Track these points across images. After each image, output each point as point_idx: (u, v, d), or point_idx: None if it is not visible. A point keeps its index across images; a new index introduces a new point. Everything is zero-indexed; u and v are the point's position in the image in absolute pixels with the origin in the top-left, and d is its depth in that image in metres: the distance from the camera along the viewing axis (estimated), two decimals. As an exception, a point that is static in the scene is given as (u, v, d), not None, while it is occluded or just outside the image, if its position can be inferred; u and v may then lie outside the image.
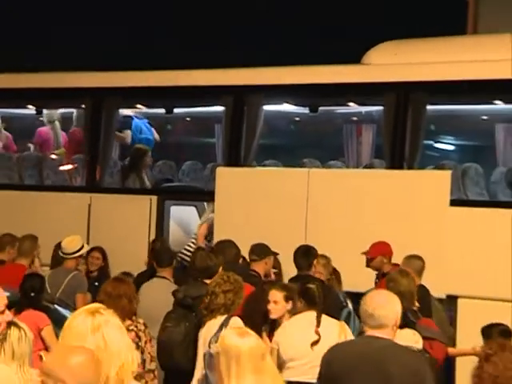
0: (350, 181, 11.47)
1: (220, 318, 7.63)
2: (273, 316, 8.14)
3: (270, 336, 8.24)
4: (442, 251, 10.04)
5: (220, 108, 12.79)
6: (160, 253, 10.28)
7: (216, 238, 11.01)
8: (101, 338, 4.40)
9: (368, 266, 9.87)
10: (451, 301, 10.06)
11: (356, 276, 9.90)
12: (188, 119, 14.25)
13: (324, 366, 5.83)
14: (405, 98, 11.25)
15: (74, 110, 14.54)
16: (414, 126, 11.22)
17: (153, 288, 9.43)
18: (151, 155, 13.47)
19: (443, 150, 12.81)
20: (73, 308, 9.49)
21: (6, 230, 11.02)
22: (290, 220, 11.11)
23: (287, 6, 21.99)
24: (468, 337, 8.69)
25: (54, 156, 14.29)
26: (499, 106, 11.80)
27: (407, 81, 11.21)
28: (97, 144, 13.29)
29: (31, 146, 14.93)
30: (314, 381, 6.27)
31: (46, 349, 7.71)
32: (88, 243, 11.64)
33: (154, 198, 12.46)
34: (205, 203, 12.47)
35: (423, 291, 8.94)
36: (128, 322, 7.27)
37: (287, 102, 12.69)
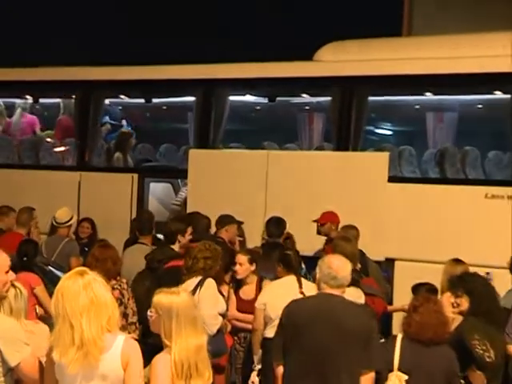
0: (303, 161, 11.53)
1: (197, 278, 7.66)
2: (239, 276, 8.22)
3: (236, 292, 8.30)
4: (381, 221, 10.11)
5: (192, 98, 12.77)
6: (141, 223, 10.28)
7: (189, 211, 11.07)
8: (91, 292, 4.45)
9: (318, 232, 9.93)
10: (389, 263, 10.13)
11: (307, 242, 9.94)
12: (164, 108, 14.18)
13: (285, 316, 5.85)
14: (349, 90, 11.27)
15: (60, 100, 14.41)
16: (357, 114, 11.25)
17: (134, 253, 9.40)
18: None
19: (382, 134, 12.85)
20: (67, 270, 9.49)
21: (8, 203, 10.96)
22: (253, 194, 11.12)
23: (250, 10, 21.93)
24: (403, 294, 8.73)
25: (48, 139, 14.19)
26: (429, 97, 11.87)
27: (352, 75, 11.21)
28: (85, 129, 13.20)
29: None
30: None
31: (39, 304, 7.71)
32: (78, 215, 11.68)
33: (136, 175, 12.41)
34: (179, 180, 12.47)
35: (361, 255, 9.01)
36: (113, 282, 7.31)
37: (249, 93, 12.67)
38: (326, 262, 5.75)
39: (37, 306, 7.60)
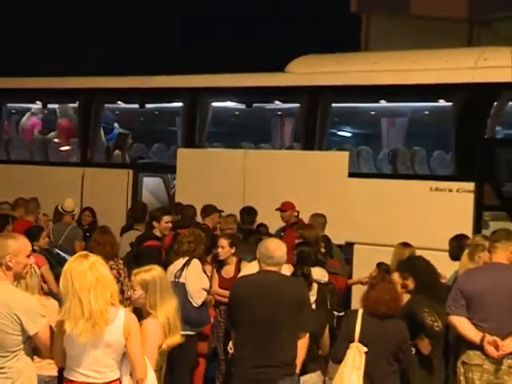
0: (275, 158, 11.53)
1: (184, 259, 7.68)
2: (221, 257, 8.26)
3: (218, 271, 8.31)
4: (342, 210, 10.10)
5: (180, 104, 12.71)
6: (136, 212, 10.25)
7: (177, 201, 11.08)
8: (97, 271, 4.50)
9: (282, 218, 9.97)
10: (349, 246, 10.12)
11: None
12: (156, 112, 14.10)
13: (232, 293, 5.91)
14: (315, 98, 11.27)
15: (57, 106, 14.36)
16: (321, 118, 11.24)
17: (130, 237, 9.36)
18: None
19: (343, 136, 12.88)
20: (72, 252, 9.47)
21: (20, 195, 10.93)
22: (232, 187, 11.09)
23: (233, 30, 22.02)
24: (361, 272, 8.78)
25: (55, 140, 14.11)
26: (383, 104, 11.89)
27: (317, 85, 11.25)
28: (87, 131, 13.14)
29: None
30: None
31: (45, 282, 7.67)
32: (81, 205, 11.68)
33: (131, 171, 12.38)
34: (169, 175, 12.41)
35: (327, 240, 9.01)
36: (111, 262, 7.34)
37: (229, 100, 12.62)
38: (263, 245, 5.75)
39: (43, 284, 7.57)
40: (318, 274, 6.88)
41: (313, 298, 6.75)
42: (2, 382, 4.57)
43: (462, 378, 6.00)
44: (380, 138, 12.15)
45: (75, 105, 13.77)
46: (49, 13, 22.52)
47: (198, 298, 7.63)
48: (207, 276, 7.93)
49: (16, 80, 13.91)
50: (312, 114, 11.29)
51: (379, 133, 12.23)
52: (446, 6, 20.92)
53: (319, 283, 6.53)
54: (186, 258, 7.70)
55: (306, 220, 9.62)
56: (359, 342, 5.60)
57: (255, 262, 7.53)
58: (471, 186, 9.83)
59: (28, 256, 4.83)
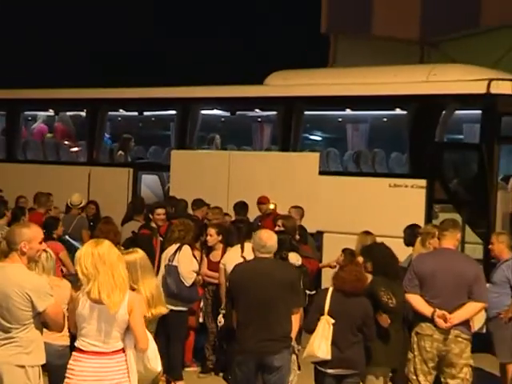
0: (256, 159, 11.52)
1: (176, 245, 7.65)
2: (209, 244, 8.25)
3: (207, 256, 8.28)
4: (314, 203, 10.07)
5: (173, 112, 12.65)
6: (135, 205, 10.21)
7: (172, 195, 11.00)
8: (116, 252, 4.56)
9: (259, 209, 9.98)
10: (319, 235, 10.12)
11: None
12: (153, 119, 14.03)
13: (231, 278, 5.90)
14: (290, 106, 11.28)
15: (53, 113, 14.30)
16: (295, 124, 11.21)
17: (130, 227, 9.30)
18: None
19: (314, 140, 12.86)
20: (79, 239, 9.43)
21: (35, 190, 10.87)
22: (218, 184, 11.04)
23: (220, 48, 22.08)
24: (329, 256, 8.78)
25: (66, 142, 14.02)
26: (348, 112, 11.94)
27: (292, 96, 11.24)
28: (93, 135, 13.03)
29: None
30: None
31: (64, 265, 7.63)
32: (88, 199, 11.59)
33: (131, 169, 12.29)
34: (164, 173, 12.33)
35: (302, 228, 9.03)
36: (114, 250, 7.26)
37: (216, 108, 12.57)
38: (257, 236, 5.75)
39: (62, 267, 7.52)
40: (293, 258, 6.88)
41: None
42: (14, 349, 4.55)
43: (415, 347, 6.00)
44: (346, 142, 12.13)
45: (83, 112, 13.67)
46: (59, 33, 22.44)
47: (189, 278, 7.62)
48: (196, 260, 7.90)
49: (31, 91, 13.84)
50: (287, 121, 11.29)
51: (345, 137, 12.21)
52: (402, 29, 21.00)
53: (294, 266, 6.52)
54: (178, 244, 7.67)
55: (282, 212, 9.59)
56: (328, 315, 5.59)
57: (237, 247, 7.58)
58: (423, 182, 9.86)
59: (40, 242, 4.78)
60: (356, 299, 5.68)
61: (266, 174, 10.86)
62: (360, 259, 6.42)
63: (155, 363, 4.61)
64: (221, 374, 7.86)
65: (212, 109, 12.54)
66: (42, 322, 4.64)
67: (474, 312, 6.04)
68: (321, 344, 5.53)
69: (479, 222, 9.46)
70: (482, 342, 6.48)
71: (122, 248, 7.68)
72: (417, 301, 5.98)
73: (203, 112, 12.34)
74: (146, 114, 13.52)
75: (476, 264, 6.37)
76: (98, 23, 22.70)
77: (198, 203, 10.01)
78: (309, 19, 21.63)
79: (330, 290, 5.75)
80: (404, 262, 7.41)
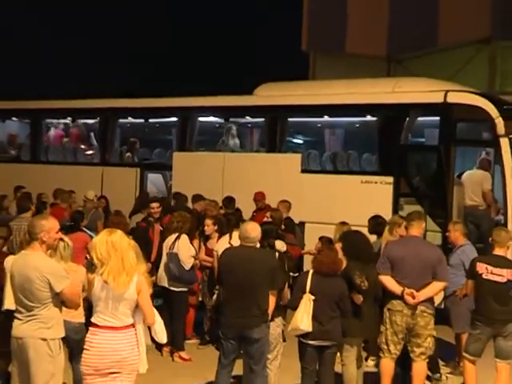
0: (246, 159, 11.46)
1: (175, 235, 7.62)
2: (206, 233, 8.21)
3: (204, 243, 8.26)
4: (296, 197, 10.02)
5: (175, 118, 12.58)
6: (142, 200, 10.20)
7: (173, 191, 10.96)
8: (127, 240, 4.52)
9: (256, 203, 9.91)
10: (301, 225, 10.06)
11: (250, 212, 9.90)
12: (157, 125, 13.96)
13: (220, 261, 5.86)
14: (276, 114, 11.22)
15: (67, 120, 14.20)
16: (280, 129, 11.20)
17: (137, 219, 9.30)
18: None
19: (297, 142, 12.84)
20: (94, 229, 9.39)
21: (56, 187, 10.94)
22: (214, 181, 10.98)
23: (216, 61, 22.08)
24: (310, 244, 8.75)
25: (82, 146, 13.94)
26: (326, 119, 11.83)
27: (277, 105, 11.19)
28: (105, 139, 12.99)
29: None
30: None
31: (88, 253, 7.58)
32: (101, 194, 11.53)
33: (138, 169, 12.24)
34: (167, 172, 12.29)
35: (289, 219, 9.05)
36: (124, 238, 7.21)
37: (212, 116, 12.51)
38: (243, 227, 5.71)
39: (87, 255, 7.46)
40: (278, 245, 6.84)
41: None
42: (36, 325, 4.57)
43: (387, 321, 6.02)
44: (324, 144, 12.11)
45: (96, 120, 13.60)
46: (74, 48, 22.41)
47: (188, 263, 7.61)
48: (193, 247, 7.86)
49: (52, 102, 13.74)
50: (273, 126, 11.25)
51: (323, 140, 12.19)
52: (371, 47, 21.10)
53: (279, 252, 6.51)
54: (177, 234, 7.64)
55: (273, 205, 9.56)
56: (309, 292, 5.59)
57: (226, 236, 7.54)
58: (390, 179, 9.87)
59: (56, 232, 4.78)
60: (333, 279, 5.68)
61: (256, 172, 10.83)
62: (338, 246, 6.42)
63: (162, 336, 4.61)
64: (215, 345, 7.86)
65: (208, 116, 12.49)
66: (61, 301, 4.65)
67: (437, 290, 6.07)
68: (303, 318, 5.52)
69: (438, 213, 9.48)
70: (440, 316, 6.49)
71: (131, 237, 7.70)
72: (389, 281, 5.99)
73: (200, 119, 12.28)
74: (151, 120, 13.45)
75: (438, 250, 6.38)
76: (103, 40, 22.74)
77: (197, 198, 9.98)
78: (291, 39, 21.68)
79: (310, 272, 5.74)
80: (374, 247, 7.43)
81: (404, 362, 6.19)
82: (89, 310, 4.89)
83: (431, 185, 9.84)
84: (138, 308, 4.45)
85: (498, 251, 6.07)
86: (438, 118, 9.97)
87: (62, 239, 5.13)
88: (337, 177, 10.57)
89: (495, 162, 9.53)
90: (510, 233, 6.42)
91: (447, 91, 9.78)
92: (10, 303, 4.89)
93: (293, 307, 5.69)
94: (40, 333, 4.55)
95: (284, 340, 6.28)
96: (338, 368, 6.05)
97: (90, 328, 4.48)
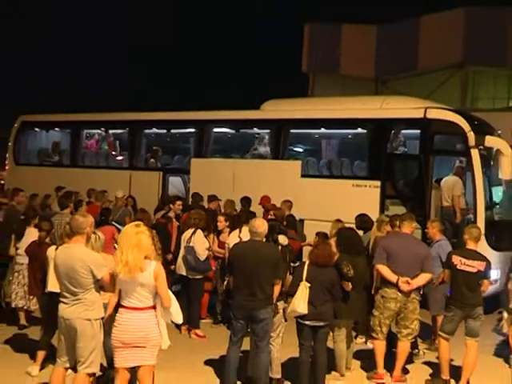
0: (254, 165, 11.38)
1: (191, 230, 7.60)
2: (219, 228, 8.19)
3: (217, 237, 8.24)
4: (297, 198, 9.99)
5: (192, 129, 12.56)
6: (164, 199, 10.21)
7: (191, 192, 10.92)
8: (138, 238, 4.41)
9: (263, 207, 9.85)
10: (302, 221, 10.01)
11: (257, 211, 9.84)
12: (177, 135, 13.95)
13: (231, 252, 5.79)
14: (280, 126, 11.21)
15: (101, 130, 14.17)
16: (284, 139, 11.21)
17: (160, 215, 9.28)
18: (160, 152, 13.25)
19: (297, 151, 12.79)
20: (123, 224, 9.37)
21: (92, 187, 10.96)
22: (226, 184, 10.94)
23: (228, 81, 22.12)
24: (309, 239, 8.73)
25: (113, 153, 13.98)
26: (323, 130, 11.78)
27: (281, 118, 11.17)
28: (134, 147, 13.01)
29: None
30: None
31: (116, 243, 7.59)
32: (129, 194, 11.51)
33: (161, 172, 12.22)
34: (185, 176, 12.29)
35: (291, 216, 9.02)
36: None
37: (225, 127, 12.45)
38: (252, 223, 5.65)
39: (115, 244, 7.47)
40: (281, 239, 6.81)
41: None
42: (82, 307, 4.59)
43: (381, 306, 6.01)
44: (321, 152, 12.07)
45: (125, 131, 13.61)
46: (109, 70, 22.53)
47: (203, 254, 7.59)
48: (208, 240, 7.85)
49: (88, 114, 13.80)
50: (277, 137, 11.23)
51: (320, 149, 12.15)
52: (362, 70, 21.26)
53: (282, 245, 6.49)
54: (193, 229, 7.62)
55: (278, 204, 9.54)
56: (306, 281, 5.58)
57: (236, 230, 7.51)
58: (378, 183, 9.85)
59: (90, 226, 4.81)
60: (326, 269, 5.66)
61: (262, 176, 10.80)
62: (332, 240, 6.39)
63: (177, 317, 4.60)
64: (226, 325, 7.85)
65: (221, 127, 12.46)
66: (100, 286, 4.67)
67: (425, 280, 6.05)
68: (300, 303, 5.51)
69: (418, 213, 9.28)
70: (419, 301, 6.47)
71: (154, 231, 7.69)
72: (385, 270, 5.98)
73: (215, 130, 12.26)
74: (172, 131, 13.44)
75: (426, 246, 6.42)
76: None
77: (212, 198, 9.99)
78: (294, 62, 21.84)
79: (307, 263, 5.73)
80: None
81: (389, 342, 6.20)
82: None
83: (413, 188, 9.79)
84: (157, 293, 4.45)
85: (469, 245, 6.06)
86: (418, 131, 9.94)
87: (94, 232, 5.14)
88: (332, 181, 10.54)
89: (467, 170, 9.49)
90: (480, 230, 6.39)
91: (426, 108, 9.77)
92: (52, 286, 4.93)
93: (291, 293, 5.68)
94: (85, 314, 4.58)
95: (285, 320, 6.27)
96: (331, 345, 6.06)
97: (119, 309, 4.50)
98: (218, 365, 6.12)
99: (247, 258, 5.45)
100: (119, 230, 7.27)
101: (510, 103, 19.80)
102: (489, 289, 6.14)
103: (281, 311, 5.86)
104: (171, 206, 9.09)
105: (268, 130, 11.76)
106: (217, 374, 5.94)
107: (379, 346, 6.05)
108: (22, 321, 7.48)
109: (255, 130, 12.40)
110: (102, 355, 4.90)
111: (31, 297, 7.11)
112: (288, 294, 5.70)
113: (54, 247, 5.31)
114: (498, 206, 9.94)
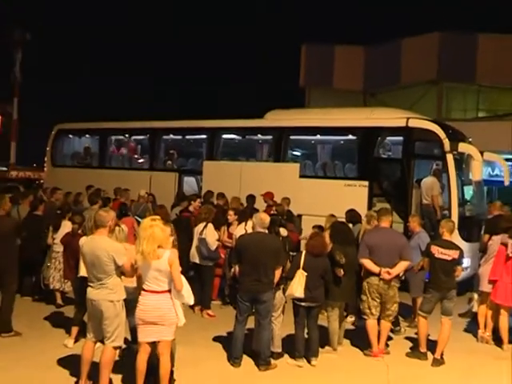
0: (258, 167, 11.34)
1: (203, 224, 7.58)
2: (229, 221, 8.17)
3: (228, 229, 8.20)
4: (296, 196, 9.95)
5: (204, 136, 12.51)
6: (179, 196, 10.19)
7: (204, 190, 10.88)
8: (152, 231, 4.41)
9: (265, 201, 9.80)
10: (300, 216, 9.94)
11: (260, 207, 9.81)
12: (191, 141, 13.91)
13: (238, 242, 5.76)
14: (281, 133, 11.18)
15: (125, 136, 14.06)
16: (284, 144, 11.15)
17: (176, 211, 9.28)
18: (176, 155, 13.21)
19: (296, 154, 12.73)
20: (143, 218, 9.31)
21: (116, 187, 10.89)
22: (234, 184, 10.89)
23: (235, 92, 22.06)
24: (306, 232, 8.68)
25: (135, 156, 13.94)
26: (318, 137, 11.73)
27: (282, 126, 11.09)
28: (153, 150, 12.97)
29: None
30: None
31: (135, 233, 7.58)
32: (150, 192, 11.46)
33: (177, 173, 12.19)
34: (199, 176, 12.27)
35: (289, 212, 8.99)
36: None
37: (233, 134, 12.40)
38: (257, 216, 5.65)
39: (135, 233, 7.46)
40: (282, 231, 6.82)
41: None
42: (106, 290, 4.60)
43: (367, 292, 6.04)
44: (317, 156, 12.02)
45: (146, 137, 13.58)
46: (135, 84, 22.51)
47: (213, 245, 7.58)
48: (218, 232, 7.82)
49: (114, 123, 13.78)
50: (279, 142, 11.20)
51: (316, 153, 12.10)
52: (351, 83, 21.29)
53: (282, 236, 6.49)
54: (204, 223, 7.62)
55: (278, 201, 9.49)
56: (302, 268, 5.58)
57: (242, 224, 7.49)
58: (366, 183, 9.83)
59: (112, 219, 4.81)
60: (320, 258, 5.67)
61: (265, 176, 10.75)
62: (327, 233, 6.37)
63: (189, 299, 4.60)
64: (233, 306, 7.83)
65: (230, 134, 12.42)
66: (121, 272, 4.67)
67: (404, 267, 6.04)
68: (297, 287, 5.53)
69: (401, 209, 9.42)
70: (401, 285, 6.46)
71: (171, 225, 7.68)
72: (368, 263, 5.97)
73: (224, 136, 12.22)
74: (186, 137, 13.40)
75: (404, 237, 6.41)
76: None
77: (221, 196, 9.97)
78: (292, 77, 21.81)
79: (304, 252, 5.72)
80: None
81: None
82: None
83: (396, 187, 9.76)
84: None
85: (445, 237, 6.07)
86: (401, 138, 9.93)
87: (118, 225, 5.13)
88: (326, 181, 10.49)
89: (443, 171, 9.48)
90: (454, 223, 6.43)
91: (408, 118, 9.78)
92: (83, 271, 4.95)
93: (290, 277, 5.68)
94: (109, 296, 4.59)
95: (286, 302, 6.26)
96: (325, 323, 6.08)
97: (142, 291, 4.52)
98: (226, 340, 6.14)
99: (252, 247, 5.44)
100: (139, 223, 7.30)
101: (479, 114, 20.04)
102: (461, 274, 6.18)
103: (282, 294, 5.87)
104: (192, 202, 9.08)
105: (270, 137, 11.73)
106: (225, 348, 5.95)
107: (371, 326, 6.05)
108: (59, 300, 7.57)
109: (259, 136, 12.37)
110: (126, 331, 4.91)
111: (66, 280, 7.19)
112: (287, 278, 5.70)
113: (85, 237, 5.31)
114: (468, 204, 9.91)
